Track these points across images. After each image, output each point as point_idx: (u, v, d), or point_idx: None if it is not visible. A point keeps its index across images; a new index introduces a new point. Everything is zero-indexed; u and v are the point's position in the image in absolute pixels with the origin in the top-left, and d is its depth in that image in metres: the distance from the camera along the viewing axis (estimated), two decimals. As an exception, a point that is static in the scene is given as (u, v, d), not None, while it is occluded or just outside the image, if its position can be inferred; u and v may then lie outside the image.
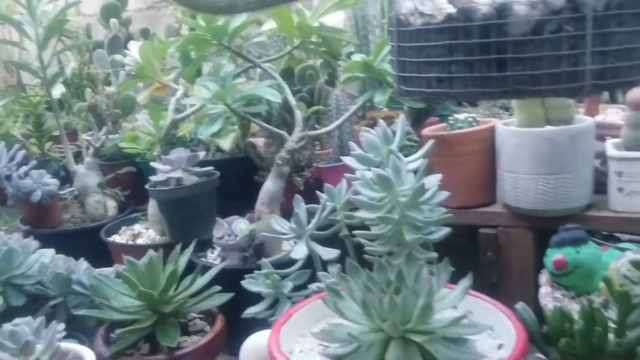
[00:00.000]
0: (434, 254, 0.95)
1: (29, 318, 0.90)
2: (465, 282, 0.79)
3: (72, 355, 0.91)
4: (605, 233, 1.20)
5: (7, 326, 0.87)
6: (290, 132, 1.33)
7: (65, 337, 0.98)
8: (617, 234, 1.20)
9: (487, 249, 1.23)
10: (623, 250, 1.02)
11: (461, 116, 1.26)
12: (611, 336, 0.74)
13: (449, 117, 1.29)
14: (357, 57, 1.27)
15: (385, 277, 0.81)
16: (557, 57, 0.63)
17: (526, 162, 1.14)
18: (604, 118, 1.30)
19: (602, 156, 1.20)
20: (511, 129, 1.18)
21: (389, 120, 1.66)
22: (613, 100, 1.46)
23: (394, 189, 0.96)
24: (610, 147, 1.16)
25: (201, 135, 1.21)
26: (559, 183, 1.12)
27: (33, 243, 1.20)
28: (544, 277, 1.02)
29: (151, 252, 1.10)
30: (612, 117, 1.29)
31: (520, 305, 0.79)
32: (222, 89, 1.18)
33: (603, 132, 1.23)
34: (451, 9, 0.68)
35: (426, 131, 1.32)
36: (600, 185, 1.20)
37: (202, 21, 1.31)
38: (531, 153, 1.13)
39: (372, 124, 1.63)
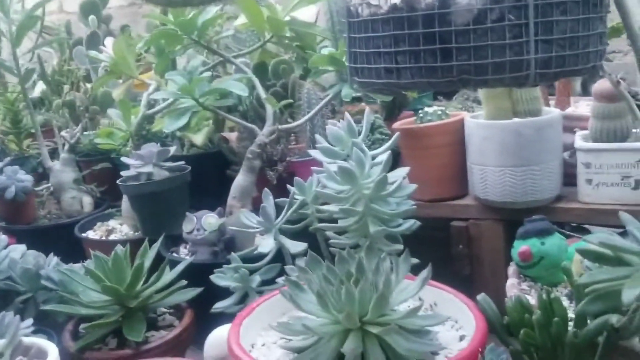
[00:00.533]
0: (400, 246, 0.96)
1: (-9, 313, 0.90)
2: (424, 273, 0.79)
3: (35, 349, 0.90)
4: (574, 225, 1.21)
5: (-32, 322, 0.87)
6: (263, 127, 1.33)
7: (35, 332, 0.98)
8: (587, 226, 1.21)
9: (459, 241, 1.23)
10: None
11: (430, 109, 1.26)
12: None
13: (420, 111, 1.29)
14: (325, 51, 1.27)
15: (346, 269, 0.81)
16: (501, 46, 0.63)
17: (493, 154, 1.15)
18: (574, 110, 1.30)
19: (571, 148, 1.20)
20: (479, 121, 1.18)
21: (363, 113, 1.66)
22: (585, 92, 1.47)
23: (357, 182, 0.96)
24: (578, 138, 1.16)
25: (166, 129, 1.21)
26: (526, 175, 1.12)
27: (2, 238, 1.20)
28: (511, 269, 1.02)
29: (118, 247, 1.09)
30: (583, 109, 1.30)
31: (481, 297, 0.79)
32: (188, 83, 1.18)
33: (573, 124, 1.24)
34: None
35: (396, 125, 1.32)
36: (570, 177, 1.20)
37: (171, 16, 1.30)
38: (498, 145, 1.14)
39: (347, 118, 1.64)
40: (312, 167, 1.09)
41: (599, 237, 0.59)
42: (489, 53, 0.63)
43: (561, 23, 0.64)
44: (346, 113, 1.10)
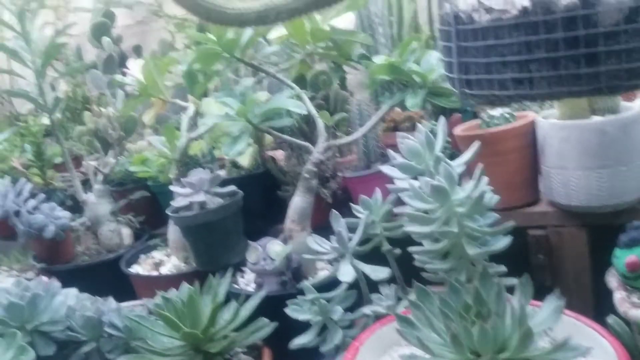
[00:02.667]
0: (503, 268, 0.88)
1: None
2: (555, 300, 0.72)
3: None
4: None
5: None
6: (311, 143, 1.27)
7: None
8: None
9: (538, 251, 1.16)
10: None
11: (496, 112, 1.19)
12: None
13: (482, 114, 1.22)
14: (380, 59, 1.20)
15: (461, 300, 0.74)
16: (657, 46, 0.57)
17: (575, 156, 1.07)
18: (644, 102, 1.23)
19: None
20: (554, 122, 1.11)
21: (410, 120, 1.59)
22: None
23: (449, 199, 0.89)
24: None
25: (225, 154, 1.13)
26: (613, 176, 1.05)
27: (55, 284, 1.12)
28: (614, 281, 0.95)
29: (186, 285, 1.02)
30: (652, 101, 1.23)
31: (612, 320, 0.72)
32: (243, 105, 1.11)
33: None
34: (526, 2, 0.61)
35: (458, 131, 1.25)
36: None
37: (211, 35, 1.23)
38: (580, 146, 1.06)
39: (393, 127, 1.57)
40: (388, 185, 1.01)
41: None
42: (642, 55, 0.57)
43: None
44: (420, 125, 1.03)
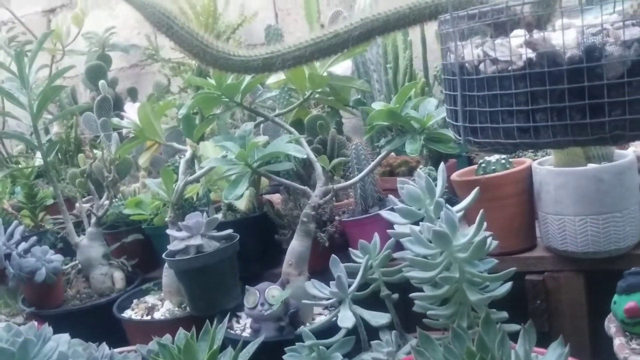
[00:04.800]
0: (505, 315, 0.88)
1: None
2: (559, 348, 0.72)
3: None
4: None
5: None
6: (309, 187, 1.27)
7: None
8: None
9: (536, 296, 1.17)
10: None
11: (492, 158, 1.21)
12: None
13: (480, 161, 1.24)
14: (379, 105, 1.22)
15: (464, 346, 0.74)
16: (658, 99, 0.58)
17: (571, 203, 1.09)
18: (635, 150, 1.26)
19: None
20: (551, 169, 1.13)
21: (406, 165, 1.61)
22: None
23: (450, 244, 0.89)
24: (654, 179, 1.11)
25: (225, 198, 1.13)
26: (609, 223, 1.07)
27: (47, 329, 1.09)
28: (612, 327, 0.95)
29: (182, 331, 1.00)
30: (643, 148, 1.26)
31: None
32: (243, 149, 1.11)
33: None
34: (530, 54, 0.62)
35: (455, 177, 1.27)
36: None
37: (211, 79, 1.25)
38: (576, 193, 1.08)
39: (389, 171, 1.58)
40: (389, 231, 1.02)
41: None
42: (646, 106, 0.58)
43: None
44: (419, 170, 1.04)
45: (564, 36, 0.60)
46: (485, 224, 0.93)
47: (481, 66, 0.66)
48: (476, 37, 0.69)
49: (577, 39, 0.60)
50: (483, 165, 1.21)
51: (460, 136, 0.73)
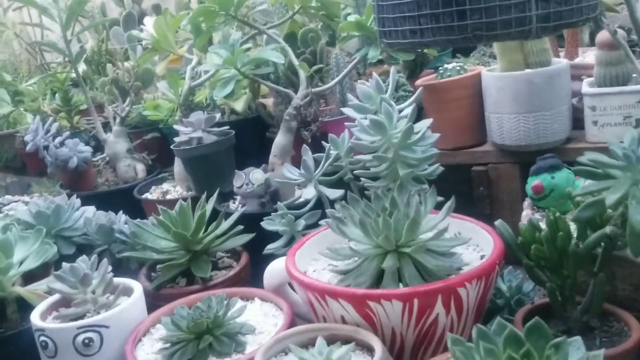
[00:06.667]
0: (425, 186, 1.10)
1: (84, 257, 1.07)
2: (448, 203, 0.93)
3: (122, 286, 1.07)
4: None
5: (66, 264, 1.04)
6: (296, 92, 1.48)
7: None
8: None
9: (480, 184, 1.37)
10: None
11: (450, 66, 1.39)
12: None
13: (440, 67, 1.42)
14: (352, 18, 1.40)
15: (381, 204, 0.96)
16: (507, 6, 0.77)
17: (508, 103, 1.27)
18: (581, 60, 1.42)
19: (579, 95, 1.32)
20: (494, 74, 1.31)
21: (386, 74, 1.79)
22: (593, 43, 1.58)
23: (387, 132, 1.10)
24: (585, 85, 1.28)
25: (215, 97, 1.35)
26: (538, 120, 1.25)
27: (76, 201, 1.37)
28: (526, 203, 1.16)
29: (181, 201, 1.25)
30: (590, 59, 1.41)
31: (498, 222, 0.93)
32: (231, 55, 1.32)
33: (580, 72, 1.35)
34: (418, -29, 0.81)
35: (419, 82, 1.45)
36: (578, 121, 1.33)
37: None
38: (512, 94, 1.26)
39: (372, 80, 1.77)
40: (345, 123, 1.23)
41: (589, 156, 0.73)
42: (497, 12, 0.77)
43: (556, -17, 0.76)
44: (373, 73, 1.23)
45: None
46: (431, 120, 1.13)
47: (386, -19, 0.85)
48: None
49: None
50: (441, 71, 1.40)
51: (380, 38, 0.92)
